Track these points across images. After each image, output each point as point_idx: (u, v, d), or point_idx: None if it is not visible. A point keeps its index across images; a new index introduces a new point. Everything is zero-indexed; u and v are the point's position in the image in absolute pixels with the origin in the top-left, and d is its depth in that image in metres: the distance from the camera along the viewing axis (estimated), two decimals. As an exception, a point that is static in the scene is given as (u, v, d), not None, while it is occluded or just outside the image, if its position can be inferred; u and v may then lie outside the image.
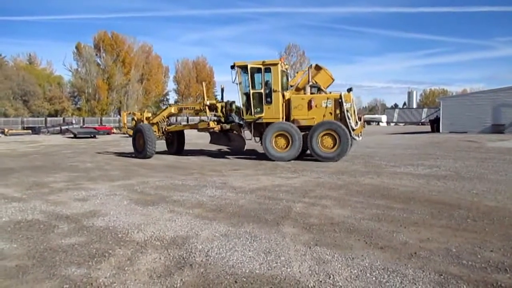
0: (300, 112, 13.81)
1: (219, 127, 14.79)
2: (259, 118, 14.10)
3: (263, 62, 13.92)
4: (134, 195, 7.78)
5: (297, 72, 14.95)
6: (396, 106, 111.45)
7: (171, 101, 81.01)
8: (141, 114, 16.83)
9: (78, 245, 4.72)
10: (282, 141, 13.64)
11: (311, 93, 14.33)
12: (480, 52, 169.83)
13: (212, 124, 14.82)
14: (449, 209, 6.32)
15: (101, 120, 52.66)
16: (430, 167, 11.36)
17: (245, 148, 14.72)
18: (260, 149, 14.80)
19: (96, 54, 67.03)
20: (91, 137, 32.60)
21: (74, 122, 45.90)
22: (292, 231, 5.21)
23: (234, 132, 15.01)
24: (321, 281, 3.63)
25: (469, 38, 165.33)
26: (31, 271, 3.95)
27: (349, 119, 13.15)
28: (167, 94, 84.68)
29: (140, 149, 15.05)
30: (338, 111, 13.38)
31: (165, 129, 16.37)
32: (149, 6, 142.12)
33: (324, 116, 13.52)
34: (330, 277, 3.73)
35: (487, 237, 4.85)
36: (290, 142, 13.48)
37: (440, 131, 34.92)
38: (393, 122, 79.58)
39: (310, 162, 12.99)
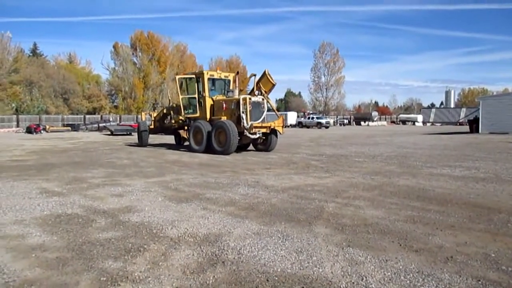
0: (218, 113, 16.50)
1: (177, 124, 18.56)
2: (195, 117, 17.03)
3: (195, 73, 17.62)
4: (168, 192, 7.93)
5: (241, 79, 17.41)
6: (432, 105, 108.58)
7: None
8: (151, 115, 22.18)
9: (114, 239, 4.86)
10: (198, 137, 16.39)
11: (228, 97, 16.81)
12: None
13: (173, 121, 18.75)
14: (488, 212, 6.11)
15: (136, 117, 53.83)
16: (469, 169, 11.01)
17: (183, 142, 19.03)
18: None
19: (133, 54, 68.56)
20: (127, 134, 33.44)
21: (111, 119, 47.34)
22: (325, 231, 5.17)
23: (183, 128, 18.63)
24: (353, 283, 3.59)
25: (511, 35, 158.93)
26: (70, 263, 4.10)
27: (243, 119, 15.12)
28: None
29: (139, 140, 20.27)
30: (239, 112, 15.42)
31: (161, 125, 20.39)
32: (185, 6, 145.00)
33: (230, 116, 15.85)
34: (362, 279, 3.68)
35: (529, 243, 4.66)
36: (201, 138, 16.13)
37: (480, 131, 33.73)
38: (429, 122, 77.56)
39: (343, 161, 12.85)
